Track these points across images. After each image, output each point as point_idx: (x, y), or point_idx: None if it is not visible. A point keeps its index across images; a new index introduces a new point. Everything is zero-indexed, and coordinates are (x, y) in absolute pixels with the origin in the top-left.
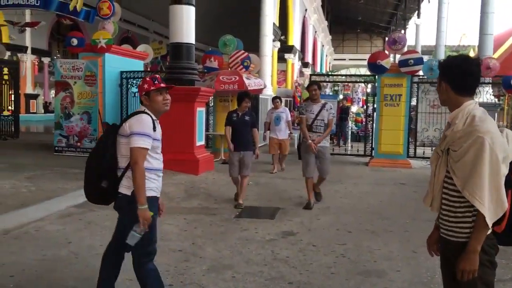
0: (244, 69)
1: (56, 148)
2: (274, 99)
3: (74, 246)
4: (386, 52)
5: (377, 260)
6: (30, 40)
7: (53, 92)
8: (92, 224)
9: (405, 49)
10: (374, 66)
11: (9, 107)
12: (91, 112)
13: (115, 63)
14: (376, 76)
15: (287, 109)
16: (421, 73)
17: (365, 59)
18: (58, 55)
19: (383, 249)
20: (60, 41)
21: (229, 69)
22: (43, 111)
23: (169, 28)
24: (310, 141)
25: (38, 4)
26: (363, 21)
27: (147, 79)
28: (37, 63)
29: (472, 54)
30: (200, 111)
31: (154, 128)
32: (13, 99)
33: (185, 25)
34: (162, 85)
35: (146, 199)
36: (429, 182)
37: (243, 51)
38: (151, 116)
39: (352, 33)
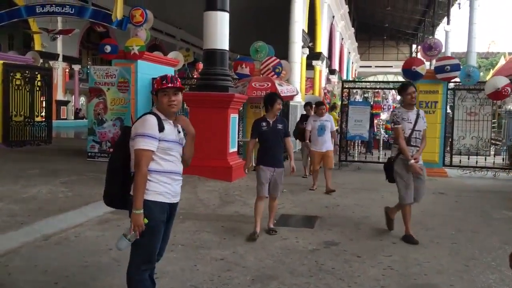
0: (275, 76)
1: (89, 154)
2: (317, 105)
3: (115, 253)
4: (421, 58)
5: (428, 274)
6: (61, 47)
7: (82, 98)
8: None
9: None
10: (409, 73)
11: (41, 113)
12: (123, 118)
13: (147, 70)
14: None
15: (331, 116)
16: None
17: (392, 66)
18: (90, 62)
19: (432, 261)
20: (90, 48)
21: (261, 75)
22: (73, 118)
23: (200, 35)
24: (412, 160)
25: (72, 12)
26: (390, 28)
27: (158, 78)
28: (68, 70)
29: (503, 61)
30: (233, 118)
31: (162, 129)
32: (45, 105)
33: (219, 31)
34: (170, 85)
35: (142, 204)
36: None
37: (274, 58)
38: (158, 116)
39: (378, 40)
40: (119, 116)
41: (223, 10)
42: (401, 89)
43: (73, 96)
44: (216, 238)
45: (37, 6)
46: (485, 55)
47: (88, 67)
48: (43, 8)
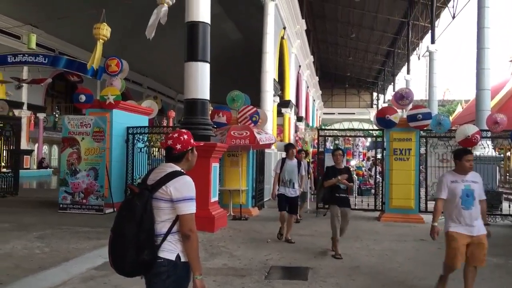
0: (252, 124)
1: (61, 205)
2: None
3: None
4: (394, 107)
5: None
6: (26, 96)
7: (45, 147)
8: None
9: (411, 105)
10: (383, 121)
11: (2, 163)
12: (98, 168)
13: (122, 119)
14: (384, 131)
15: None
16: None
17: (354, 113)
18: (58, 111)
19: None
20: (55, 96)
21: (238, 124)
22: (35, 167)
23: (166, 83)
24: None
25: (46, 62)
26: (351, 76)
27: (187, 134)
28: (33, 119)
29: (460, 108)
30: (215, 167)
31: None
32: (9, 155)
33: (200, 81)
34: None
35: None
36: None
37: (251, 106)
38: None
39: (340, 88)
40: (94, 166)
41: (204, 60)
42: None
43: (37, 145)
44: None
45: (9, 56)
46: (441, 103)
47: (56, 115)
48: (15, 57)
